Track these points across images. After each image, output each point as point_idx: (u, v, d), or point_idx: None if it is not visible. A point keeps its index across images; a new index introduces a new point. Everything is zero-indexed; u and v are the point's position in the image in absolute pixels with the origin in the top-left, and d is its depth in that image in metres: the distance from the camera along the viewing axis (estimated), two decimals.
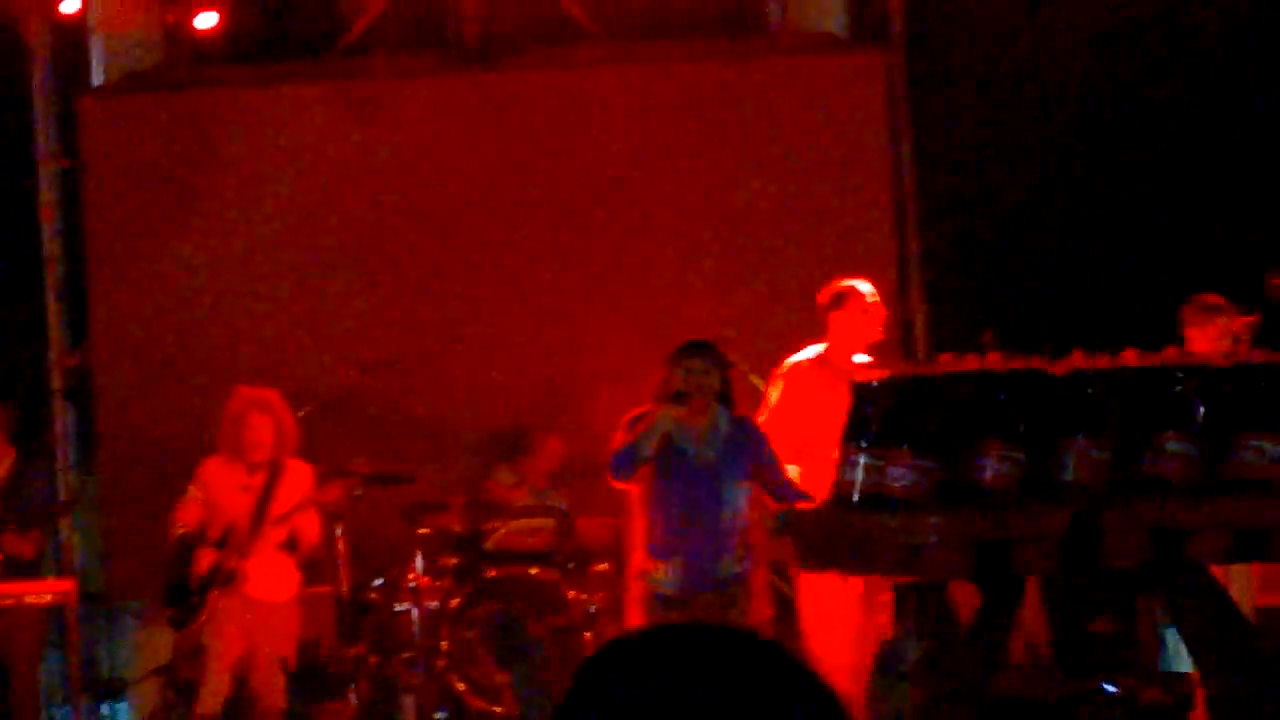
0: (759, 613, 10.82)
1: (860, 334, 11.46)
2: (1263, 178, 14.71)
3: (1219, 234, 14.60)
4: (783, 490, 10.67)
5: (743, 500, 10.62)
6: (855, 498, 7.29)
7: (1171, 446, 7.45)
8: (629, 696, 2.40)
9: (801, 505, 10.37)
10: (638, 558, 10.69)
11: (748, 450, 10.61)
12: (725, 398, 10.60)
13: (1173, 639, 11.62)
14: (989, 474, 7.16)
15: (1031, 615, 12.44)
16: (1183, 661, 11.28)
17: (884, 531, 7.19)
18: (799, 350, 11.55)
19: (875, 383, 7.69)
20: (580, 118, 14.77)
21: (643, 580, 10.54)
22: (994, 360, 7.43)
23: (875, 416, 7.32)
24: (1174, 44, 15.67)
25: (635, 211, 14.53)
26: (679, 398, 10.27)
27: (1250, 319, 11.66)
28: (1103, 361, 7.54)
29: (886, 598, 10.24)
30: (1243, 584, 11.27)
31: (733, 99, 14.80)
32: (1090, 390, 7.42)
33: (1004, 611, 7.86)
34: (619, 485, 10.90)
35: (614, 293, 14.12)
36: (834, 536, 7.83)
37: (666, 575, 10.43)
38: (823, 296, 11.59)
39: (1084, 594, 12.41)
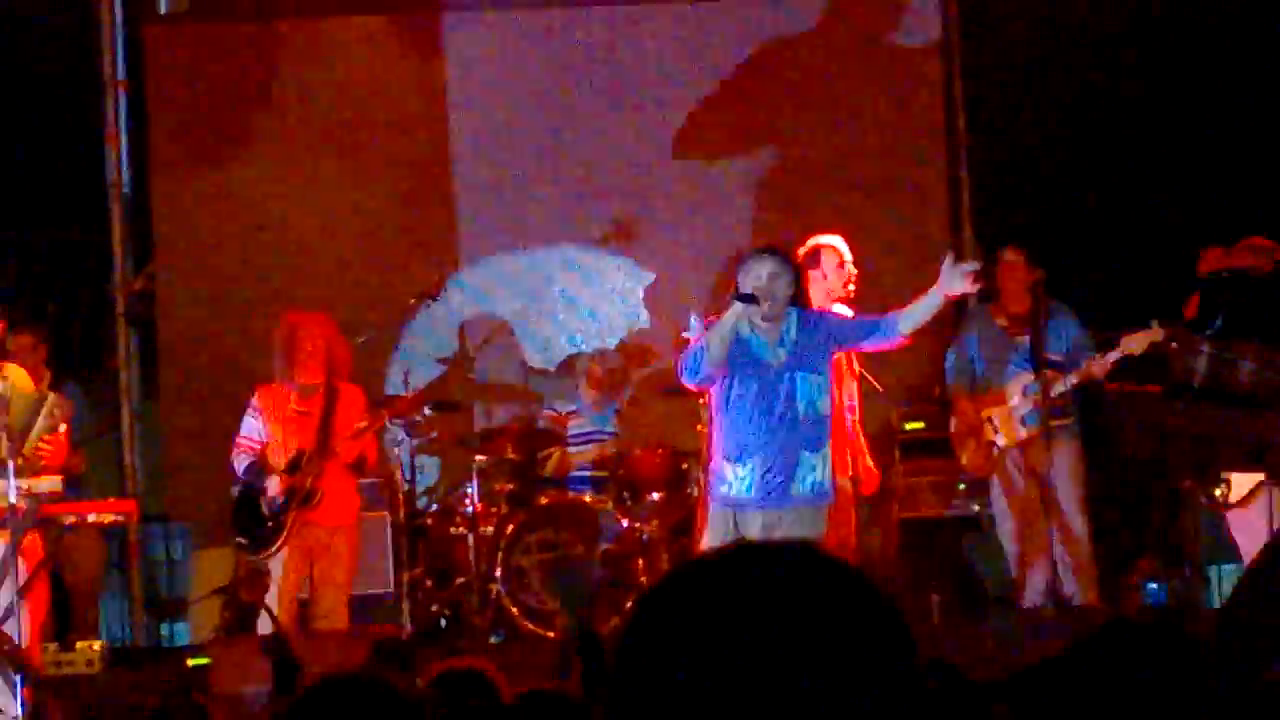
0: (840, 536, 10.74)
1: (833, 289, 11.51)
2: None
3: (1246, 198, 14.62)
4: (874, 330, 10.52)
5: (824, 404, 10.36)
6: (1195, 385, 7.18)
7: None
8: (692, 622, 2.35)
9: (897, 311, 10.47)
10: (714, 462, 10.47)
11: (821, 339, 10.35)
12: (798, 301, 10.32)
13: None
14: None
15: None
16: None
17: (1229, 424, 7.08)
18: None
19: (1225, 273, 7.68)
20: (636, 52, 14.81)
21: (717, 485, 10.33)
22: None
23: (1224, 308, 7.22)
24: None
25: (689, 142, 14.54)
26: (748, 299, 10.00)
27: None
28: None
29: None
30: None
31: (787, 36, 14.76)
32: None
33: None
34: (692, 387, 10.75)
35: (667, 222, 14.18)
36: (1161, 424, 7.69)
37: (740, 479, 10.24)
38: (799, 253, 11.42)
39: None
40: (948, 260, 10.55)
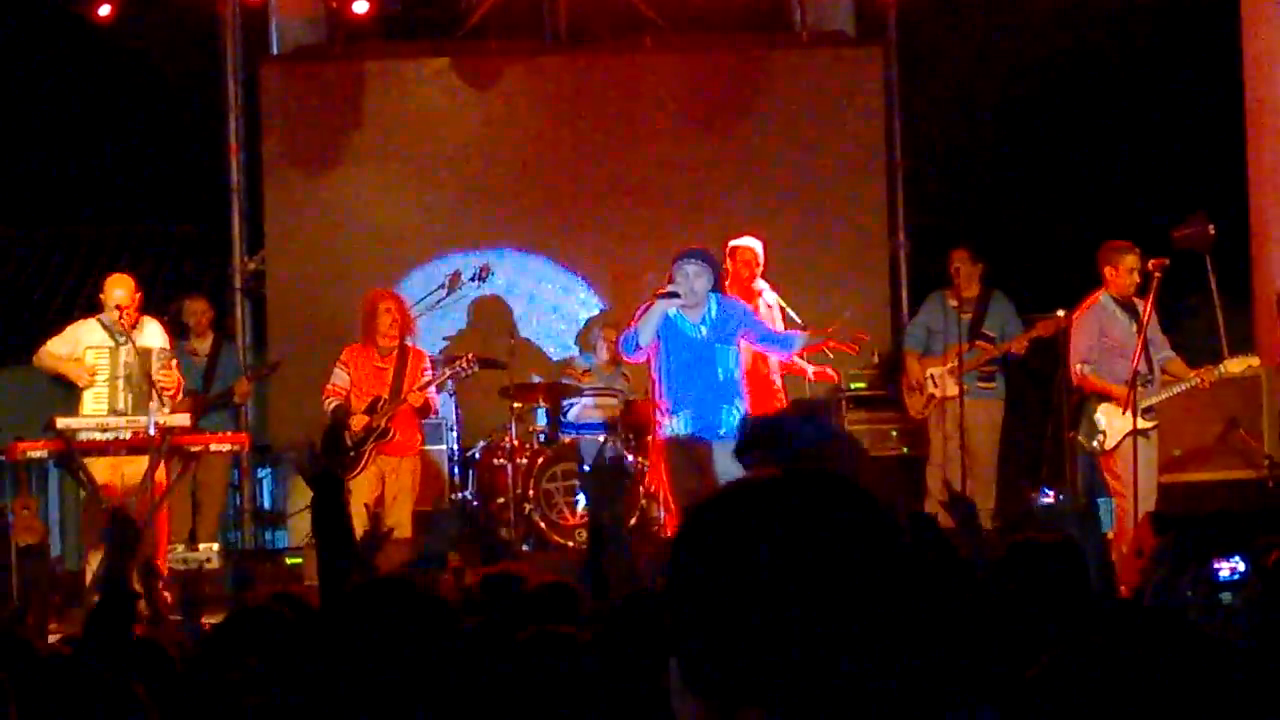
0: None
1: (748, 278, 11.74)
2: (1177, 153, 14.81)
3: (1139, 197, 14.54)
4: (771, 340, 10.86)
5: (735, 366, 10.63)
6: None
7: None
8: (736, 527, 2.20)
9: (791, 330, 10.85)
10: (659, 410, 10.69)
11: (733, 322, 10.59)
12: (716, 291, 10.62)
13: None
14: None
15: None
16: None
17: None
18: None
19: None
20: (643, 93, 14.77)
21: (662, 426, 10.58)
22: None
23: None
24: (1102, 54, 15.71)
25: (681, 167, 14.48)
26: (671, 295, 10.34)
27: (1163, 260, 11.39)
28: None
29: None
30: (1149, 456, 11.40)
31: (760, 82, 14.75)
32: None
33: None
34: (629, 360, 11.13)
35: (662, 230, 13.77)
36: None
37: (677, 424, 10.46)
38: (725, 252, 11.74)
39: None
40: (844, 326, 10.93)
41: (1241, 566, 5.26)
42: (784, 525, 2.14)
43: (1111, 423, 11.31)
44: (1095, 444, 11.40)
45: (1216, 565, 5.26)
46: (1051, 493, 12.75)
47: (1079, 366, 11.44)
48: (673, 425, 10.59)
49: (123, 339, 11.17)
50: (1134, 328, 11.39)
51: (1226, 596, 5.14)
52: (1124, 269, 11.49)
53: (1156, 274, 11.39)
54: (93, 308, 11.75)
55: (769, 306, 11.94)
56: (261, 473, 14.84)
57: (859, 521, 2.17)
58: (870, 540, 2.17)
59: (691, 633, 2.15)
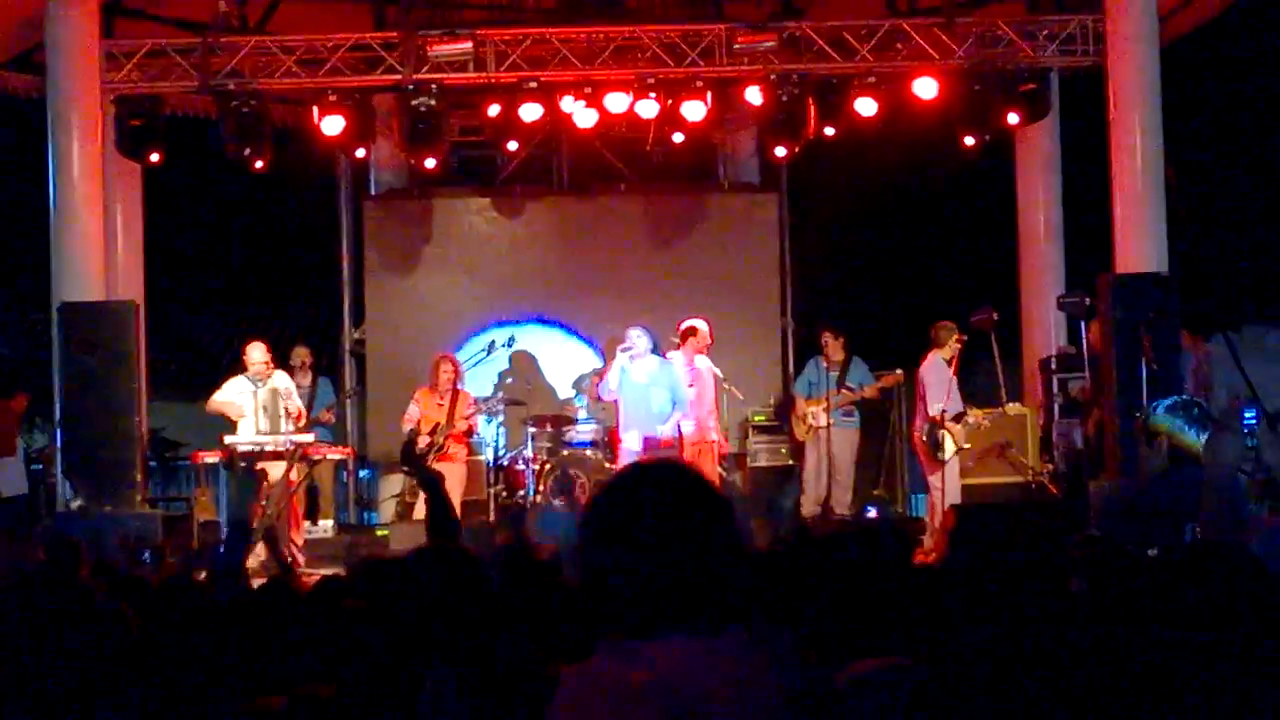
0: (708, 472, 10.63)
1: (699, 349, 11.58)
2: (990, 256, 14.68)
3: (949, 291, 14.57)
4: (674, 400, 11.06)
5: (666, 406, 10.86)
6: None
7: None
8: (610, 499, 2.24)
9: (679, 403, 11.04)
10: (619, 436, 10.89)
11: (665, 377, 10.88)
12: (656, 352, 10.88)
13: None
14: None
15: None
16: None
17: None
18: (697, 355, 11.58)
19: None
20: (618, 221, 14.62)
21: (622, 442, 10.82)
22: None
23: None
24: (926, 194, 15.69)
25: (644, 270, 14.30)
26: (627, 352, 10.69)
27: (963, 336, 11.47)
28: None
29: None
30: (955, 467, 11.29)
31: (696, 216, 14.63)
32: None
33: None
34: (604, 401, 11.40)
35: (632, 311, 12.77)
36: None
37: (631, 442, 10.69)
38: (681, 329, 11.67)
39: None
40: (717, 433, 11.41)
41: None
42: (648, 490, 2.20)
43: (947, 444, 11.23)
44: (940, 456, 11.23)
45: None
46: (874, 509, 12.86)
47: (936, 406, 11.28)
48: (627, 440, 10.87)
49: (261, 384, 11.17)
50: (949, 379, 11.39)
51: None
52: (949, 340, 11.47)
53: (959, 345, 11.45)
54: (240, 366, 11.67)
55: (709, 371, 11.77)
56: (362, 473, 14.62)
57: (693, 488, 2.21)
58: (696, 499, 2.20)
59: (597, 565, 2.18)
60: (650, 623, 2.14)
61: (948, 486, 11.18)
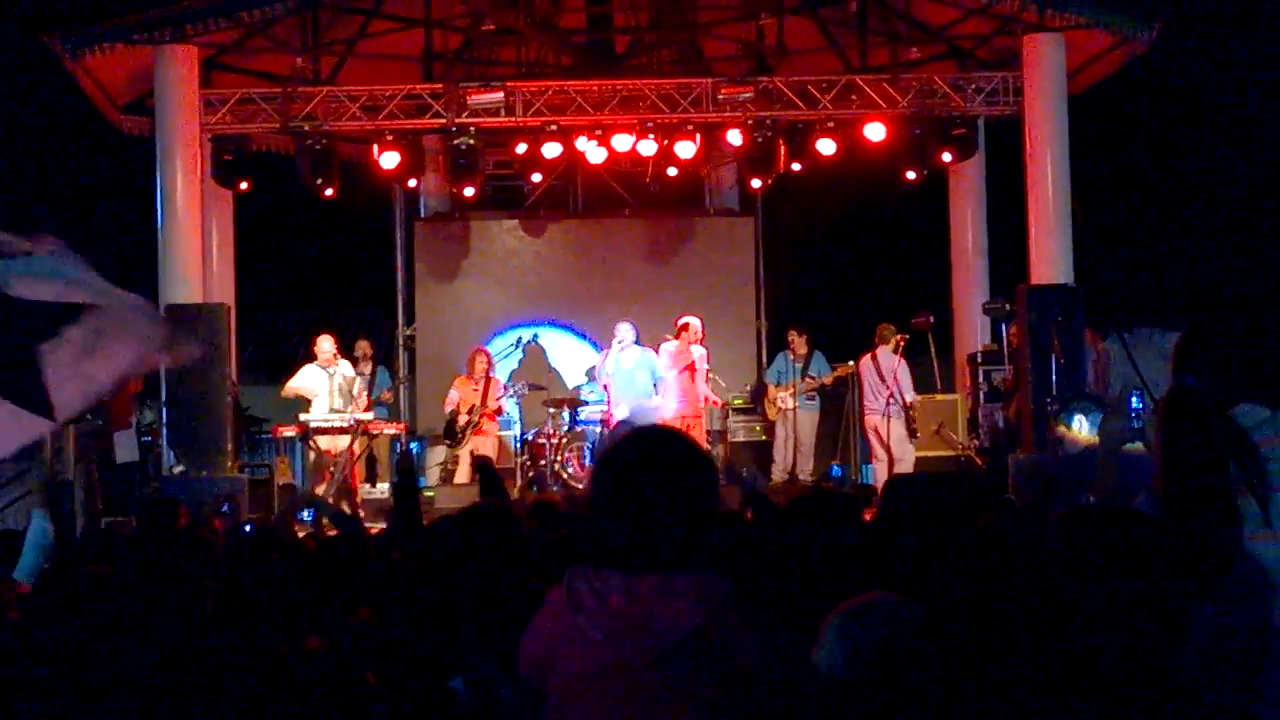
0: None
1: (693, 341, 11.53)
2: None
3: (895, 299, 14.20)
4: (654, 383, 10.97)
5: (649, 387, 10.78)
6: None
7: None
8: (615, 456, 2.21)
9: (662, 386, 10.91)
10: (610, 412, 10.84)
11: (648, 363, 10.85)
12: (639, 343, 10.82)
13: None
14: None
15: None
16: None
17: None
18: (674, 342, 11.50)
19: None
20: (622, 241, 14.48)
21: (613, 418, 10.74)
22: None
23: None
24: (877, 216, 15.51)
25: (643, 281, 14.14)
26: (616, 345, 10.65)
27: (904, 335, 11.44)
28: None
29: None
30: (901, 433, 11.31)
31: (686, 236, 14.52)
32: None
33: None
34: (599, 382, 11.32)
35: (633, 315, 12.48)
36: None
37: (621, 413, 10.63)
38: (678, 323, 11.63)
39: None
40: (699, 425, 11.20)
41: None
42: (641, 446, 2.17)
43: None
44: (917, 435, 11.39)
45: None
46: (841, 471, 12.81)
47: (910, 395, 11.35)
48: (617, 413, 10.86)
49: (331, 370, 11.17)
50: (890, 372, 11.41)
51: None
52: (892, 338, 11.50)
53: (901, 343, 11.52)
54: (311, 356, 11.55)
55: (702, 359, 11.72)
56: (412, 445, 14.31)
57: (679, 448, 2.19)
58: (684, 457, 2.17)
59: (600, 514, 2.16)
60: (625, 557, 2.10)
61: (897, 458, 11.24)
